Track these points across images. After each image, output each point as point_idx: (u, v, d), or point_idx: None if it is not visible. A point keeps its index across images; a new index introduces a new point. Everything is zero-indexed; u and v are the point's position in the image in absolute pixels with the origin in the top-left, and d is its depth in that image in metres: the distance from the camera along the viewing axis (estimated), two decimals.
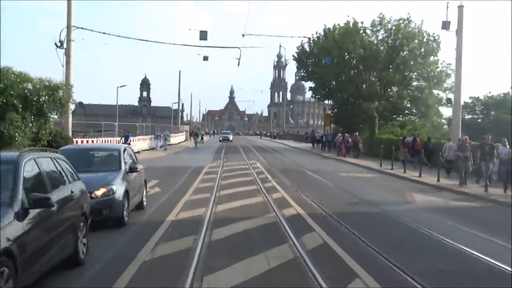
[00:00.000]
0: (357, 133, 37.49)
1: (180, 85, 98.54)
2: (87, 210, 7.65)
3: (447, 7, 27.49)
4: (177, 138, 57.90)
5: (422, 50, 44.69)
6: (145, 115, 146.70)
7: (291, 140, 77.88)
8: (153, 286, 6.29)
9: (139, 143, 39.60)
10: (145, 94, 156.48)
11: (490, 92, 42.95)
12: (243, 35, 40.11)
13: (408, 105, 45.39)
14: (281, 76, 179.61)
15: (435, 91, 45.03)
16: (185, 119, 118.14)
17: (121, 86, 65.35)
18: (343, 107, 46.59)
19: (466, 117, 39.16)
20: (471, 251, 8.36)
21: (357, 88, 44.72)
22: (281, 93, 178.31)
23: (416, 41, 44.73)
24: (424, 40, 44.77)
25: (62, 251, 6.47)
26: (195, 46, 46.15)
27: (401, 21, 45.14)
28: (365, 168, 26.93)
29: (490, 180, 17.14)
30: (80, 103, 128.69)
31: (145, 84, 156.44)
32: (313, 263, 7.19)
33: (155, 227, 9.74)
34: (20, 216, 5.36)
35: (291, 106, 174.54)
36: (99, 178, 9.95)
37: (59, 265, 6.51)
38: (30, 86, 21.77)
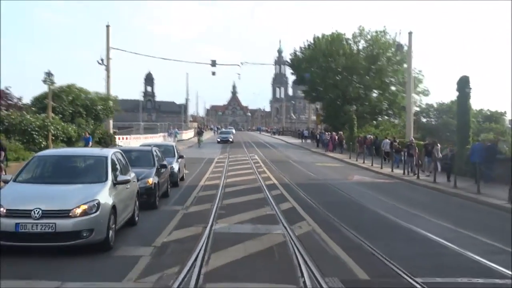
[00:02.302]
0: (341, 132, 46.52)
1: (184, 82, 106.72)
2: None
3: (399, 33, 36.26)
4: (186, 135, 67.11)
5: (398, 58, 53.17)
6: (150, 110, 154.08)
7: (289, 136, 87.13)
8: (202, 205, 15.20)
9: (157, 139, 48.72)
10: (149, 89, 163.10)
11: (441, 100, 52.25)
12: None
13: (386, 107, 54.23)
14: (282, 72, 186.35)
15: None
16: (190, 113, 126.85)
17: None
18: (329, 108, 55.60)
19: (424, 120, 47.96)
20: (369, 206, 17.30)
21: (342, 92, 53.59)
22: (282, 88, 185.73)
23: (391, 50, 53.31)
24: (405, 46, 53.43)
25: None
26: (204, 63, 53.54)
27: (379, 33, 53.94)
28: (338, 160, 35.92)
29: (432, 170, 22.93)
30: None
31: (149, 79, 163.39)
32: (274, 201, 15.97)
33: (194, 187, 18.80)
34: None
35: (293, 102, 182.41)
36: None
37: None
38: (89, 97, 31.03)
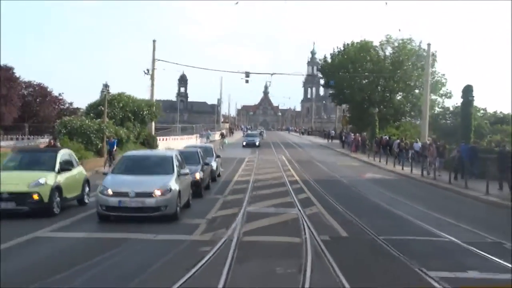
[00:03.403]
0: (364, 133, 50.48)
1: (215, 82, 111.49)
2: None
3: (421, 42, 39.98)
4: (218, 135, 71.75)
5: (422, 63, 56.81)
6: (182, 110, 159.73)
7: (317, 136, 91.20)
8: (237, 195, 19.58)
9: (191, 140, 53.49)
10: (182, 89, 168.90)
11: (457, 103, 55.94)
12: None
13: (408, 109, 57.89)
14: (314, 72, 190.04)
15: (433, 97, 57.45)
16: (222, 113, 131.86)
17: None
18: (355, 110, 59.57)
19: (441, 122, 51.51)
20: (369, 197, 21.49)
21: (367, 95, 57.50)
22: (314, 89, 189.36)
23: (415, 56, 57.07)
24: (424, 54, 57.15)
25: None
26: (238, 72, 54.12)
27: (405, 40, 57.75)
28: (358, 160, 39.99)
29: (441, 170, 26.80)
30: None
31: (182, 80, 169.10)
32: (294, 192, 20.21)
33: (229, 182, 23.26)
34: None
35: (324, 102, 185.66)
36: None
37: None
38: (136, 103, 35.85)
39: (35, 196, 13.25)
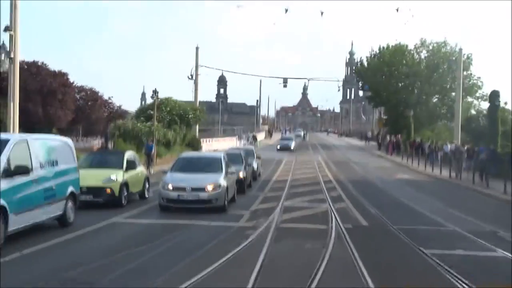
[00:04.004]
0: (399, 135, 52.37)
1: (254, 83, 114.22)
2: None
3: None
4: (259, 136, 74.57)
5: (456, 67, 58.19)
6: (222, 111, 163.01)
7: (355, 137, 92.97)
8: (276, 192, 22.17)
9: (231, 142, 56.32)
10: (222, 91, 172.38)
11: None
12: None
13: (444, 112, 59.38)
14: (353, 73, 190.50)
15: (469, 99, 58.81)
16: (261, 114, 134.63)
17: None
18: (391, 113, 61.38)
19: (473, 125, 52.80)
20: (394, 194, 23.78)
21: (403, 98, 59.25)
22: (352, 90, 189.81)
23: (451, 58, 58.39)
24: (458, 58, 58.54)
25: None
26: (276, 77, 59.46)
27: (440, 44, 59.31)
28: (391, 162, 42.06)
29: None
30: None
31: (222, 82, 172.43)
32: (327, 191, 22.68)
33: (269, 181, 25.88)
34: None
35: (363, 103, 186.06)
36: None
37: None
38: (182, 107, 38.90)
39: (108, 190, 16.15)
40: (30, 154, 11.24)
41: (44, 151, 12.04)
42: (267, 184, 24.44)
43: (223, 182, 16.18)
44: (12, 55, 20.95)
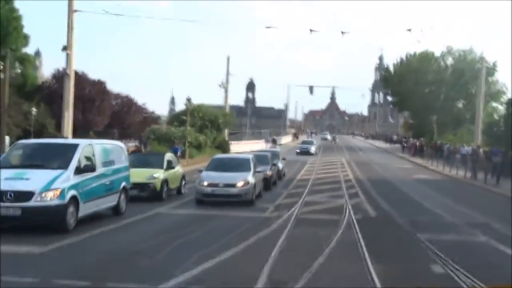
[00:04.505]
0: (422, 139, 54.13)
1: (282, 87, 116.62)
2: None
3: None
4: (284, 140, 77.04)
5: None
6: (250, 115, 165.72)
7: (381, 140, 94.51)
8: (299, 189, 24.49)
9: (258, 145, 58.82)
10: (250, 95, 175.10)
11: None
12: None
13: (468, 117, 60.89)
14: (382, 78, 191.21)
15: (494, 104, 60.38)
16: (289, 117, 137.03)
17: None
18: (415, 117, 63.19)
19: (494, 129, 54.22)
20: (407, 191, 25.89)
21: (428, 103, 61.04)
22: (380, 93, 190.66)
23: (477, 66, 60.05)
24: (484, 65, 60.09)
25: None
26: (303, 86, 61.90)
27: (466, 52, 61.13)
28: (412, 163, 43.97)
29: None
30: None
31: (250, 86, 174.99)
32: (346, 189, 24.84)
33: (292, 180, 28.23)
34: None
35: (391, 106, 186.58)
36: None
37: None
38: (213, 113, 41.60)
39: (151, 186, 18.76)
40: (94, 156, 13.85)
41: (104, 153, 14.66)
42: (291, 183, 26.80)
43: (251, 179, 18.62)
44: (68, 71, 23.83)
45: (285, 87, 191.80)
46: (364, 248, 11.50)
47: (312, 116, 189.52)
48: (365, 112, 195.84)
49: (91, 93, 49.15)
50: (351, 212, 16.90)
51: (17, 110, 47.30)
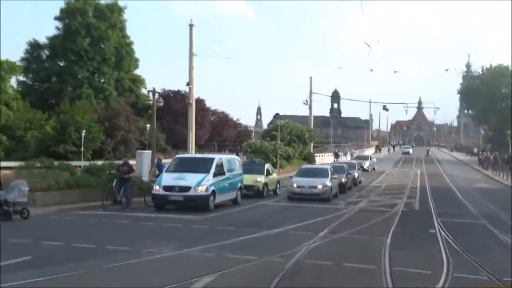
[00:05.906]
0: (497, 152, 58.88)
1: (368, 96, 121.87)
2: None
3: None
4: (368, 151, 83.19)
5: None
6: (336, 125, 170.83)
7: (464, 152, 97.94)
8: (369, 191, 31.29)
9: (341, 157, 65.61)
10: (335, 105, 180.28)
11: None
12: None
13: None
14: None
15: None
16: (374, 128, 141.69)
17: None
18: (493, 131, 67.56)
19: None
20: (461, 197, 32.03)
21: (502, 117, 65.35)
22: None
23: None
24: None
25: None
26: (380, 102, 68.32)
27: None
28: (482, 174, 49.22)
29: None
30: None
31: (335, 96, 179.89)
32: (408, 193, 31.37)
33: (366, 186, 35.08)
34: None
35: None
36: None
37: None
38: (299, 129, 49.15)
39: (255, 187, 26.49)
40: (223, 165, 21.77)
41: (228, 163, 22.62)
42: (364, 188, 33.73)
43: (328, 183, 25.90)
44: (191, 101, 32.53)
45: (371, 96, 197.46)
46: (395, 222, 18.50)
47: (399, 127, 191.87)
48: (455, 123, 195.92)
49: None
50: (402, 207, 23.71)
51: (136, 126, 57.40)
